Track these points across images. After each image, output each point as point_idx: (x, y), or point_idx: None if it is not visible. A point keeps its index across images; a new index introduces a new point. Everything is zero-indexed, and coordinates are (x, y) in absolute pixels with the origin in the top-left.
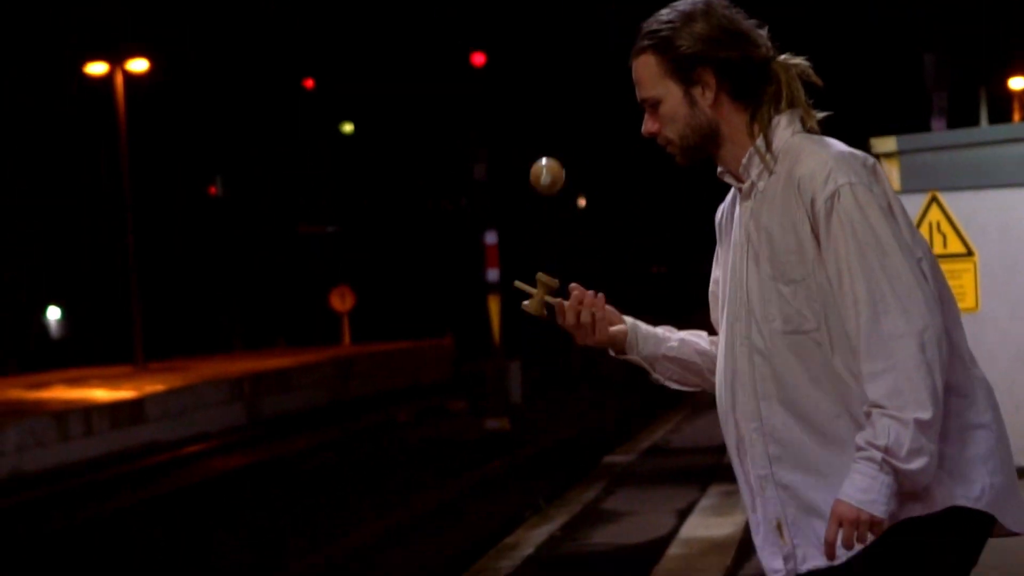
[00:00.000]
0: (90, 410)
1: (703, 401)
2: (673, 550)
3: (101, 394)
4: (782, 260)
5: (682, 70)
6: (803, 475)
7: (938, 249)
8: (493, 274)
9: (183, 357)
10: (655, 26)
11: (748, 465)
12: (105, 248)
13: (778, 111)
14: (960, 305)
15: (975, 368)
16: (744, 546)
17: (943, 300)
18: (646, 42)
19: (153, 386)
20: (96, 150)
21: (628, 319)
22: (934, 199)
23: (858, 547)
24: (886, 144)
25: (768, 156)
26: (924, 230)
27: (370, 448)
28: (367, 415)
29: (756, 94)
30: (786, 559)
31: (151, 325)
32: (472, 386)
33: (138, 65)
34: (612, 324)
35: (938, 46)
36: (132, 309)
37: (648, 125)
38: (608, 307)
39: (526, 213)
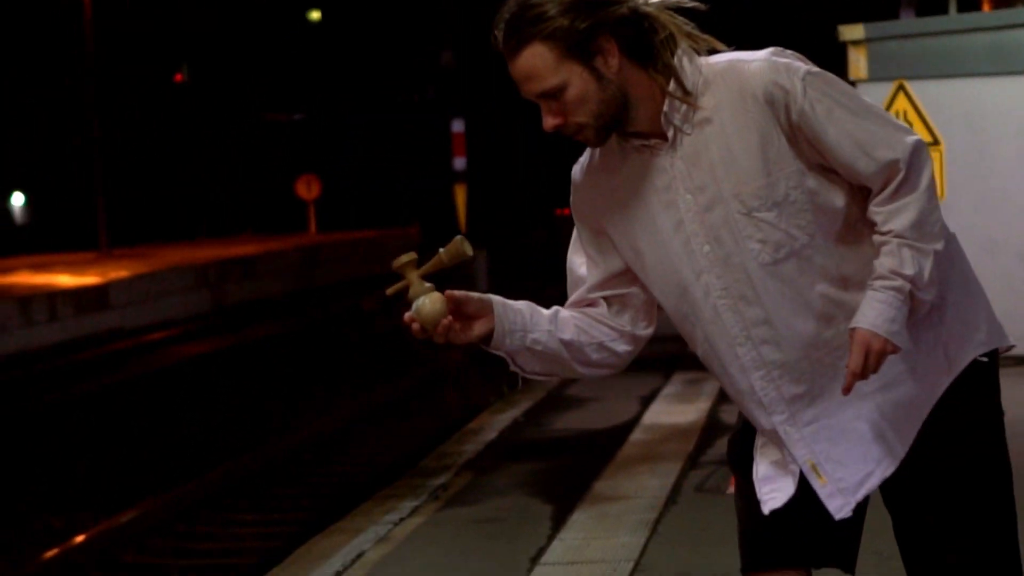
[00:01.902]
0: (55, 296)
1: None
2: (636, 435)
3: (66, 280)
4: (757, 186)
5: (580, 46)
6: (826, 400)
7: None
8: (460, 162)
9: (148, 244)
10: (530, 13)
11: (771, 419)
12: (70, 134)
13: (675, 51)
14: None
15: None
16: (706, 432)
17: None
18: (528, 32)
19: (118, 272)
20: (61, 34)
21: (497, 306)
22: (901, 87)
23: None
24: (854, 31)
25: (689, 96)
26: None
27: (336, 336)
28: (333, 303)
29: (649, 44)
30: (831, 496)
31: (116, 212)
32: (439, 276)
33: None
34: (480, 317)
35: None
36: (97, 195)
37: (551, 119)
38: (474, 296)
39: (493, 101)
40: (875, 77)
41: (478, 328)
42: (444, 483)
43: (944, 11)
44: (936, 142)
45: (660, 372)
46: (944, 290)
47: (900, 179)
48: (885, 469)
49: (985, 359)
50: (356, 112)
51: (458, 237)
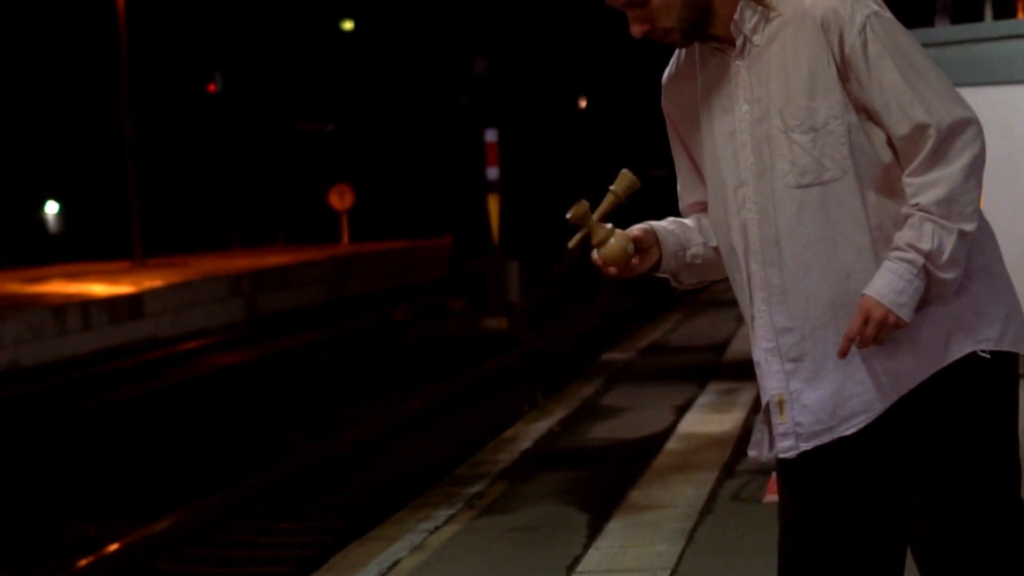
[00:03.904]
0: (88, 304)
1: (701, 301)
2: (671, 445)
3: (99, 289)
4: (799, 107)
5: None
6: (814, 341)
7: None
8: (493, 172)
9: (182, 254)
10: None
11: (759, 345)
12: (105, 143)
13: None
14: None
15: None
16: (741, 441)
17: None
18: None
19: (152, 282)
20: (96, 44)
21: (659, 232)
22: None
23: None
24: None
25: (762, 5)
26: None
27: (368, 346)
28: (365, 313)
29: None
30: (784, 435)
31: (150, 221)
32: (470, 285)
33: None
34: (650, 247)
35: None
36: (131, 205)
37: (638, 27)
38: (642, 229)
39: (526, 111)
40: None
41: (653, 257)
42: (479, 491)
43: (980, 18)
44: None
45: (695, 381)
46: (965, 276)
47: (930, 148)
48: (844, 430)
49: (987, 355)
50: (389, 122)
51: (624, 170)
